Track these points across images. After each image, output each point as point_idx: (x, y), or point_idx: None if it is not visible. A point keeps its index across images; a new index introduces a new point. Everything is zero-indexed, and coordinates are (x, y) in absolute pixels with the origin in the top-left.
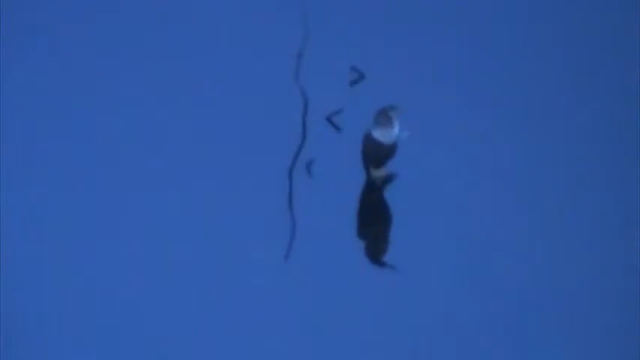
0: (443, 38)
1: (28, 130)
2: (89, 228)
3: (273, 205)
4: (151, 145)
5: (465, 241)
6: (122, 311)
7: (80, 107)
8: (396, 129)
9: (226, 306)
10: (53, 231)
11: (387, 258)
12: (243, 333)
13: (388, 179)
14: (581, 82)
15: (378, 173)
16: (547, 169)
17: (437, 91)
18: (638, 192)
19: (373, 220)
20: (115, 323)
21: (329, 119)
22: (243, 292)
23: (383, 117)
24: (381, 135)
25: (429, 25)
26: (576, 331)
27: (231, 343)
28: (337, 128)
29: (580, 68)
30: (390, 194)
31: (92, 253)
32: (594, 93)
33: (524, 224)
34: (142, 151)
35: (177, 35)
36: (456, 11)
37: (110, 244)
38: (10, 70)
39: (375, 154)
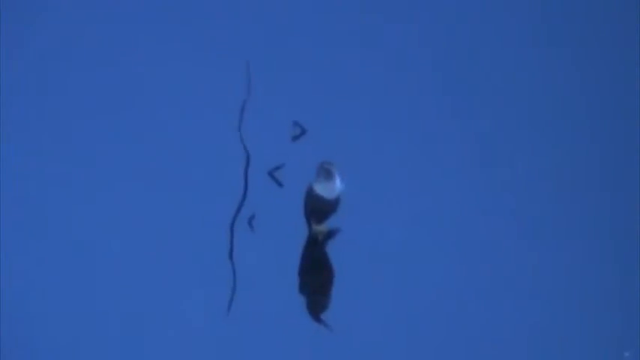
0: (385, 91)
1: (28, 129)
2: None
3: (214, 259)
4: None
5: (408, 297)
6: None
7: (80, 107)
8: (337, 183)
9: (167, 357)
10: (53, 231)
11: (328, 314)
12: None
13: (330, 234)
14: (581, 82)
15: (320, 228)
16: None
17: (380, 146)
18: (639, 192)
19: (314, 276)
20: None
21: (271, 174)
22: (185, 343)
23: (323, 172)
24: (322, 190)
25: (370, 80)
26: (575, 334)
27: None
28: (279, 183)
29: (580, 68)
30: (332, 250)
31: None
32: (594, 93)
33: (479, 274)
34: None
35: (124, 81)
36: (402, 61)
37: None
38: (10, 70)
39: (317, 209)
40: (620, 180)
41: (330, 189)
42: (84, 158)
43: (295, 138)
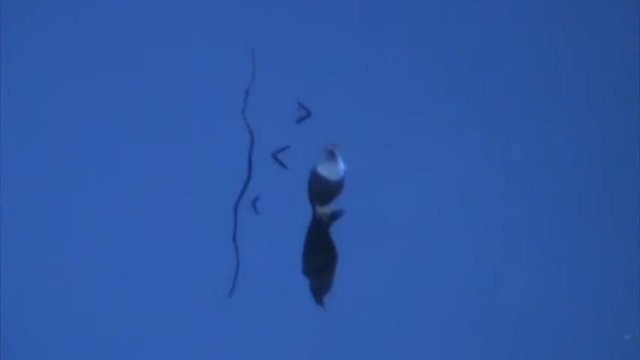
0: (391, 73)
1: (28, 127)
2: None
3: (218, 242)
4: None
5: (413, 280)
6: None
7: (80, 107)
8: (341, 165)
9: (170, 341)
10: (53, 231)
11: (332, 296)
12: None
13: (335, 216)
14: (580, 83)
15: (325, 210)
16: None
17: (385, 128)
18: (639, 192)
19: (318, 258)
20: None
21: (275, 156)
22: (188, 327)
23: (327, 154)
24: (326, 171)
25: (376, 62)
26: (574, 337)
27: None
28: (283, 165)
29: (579, 68)
30: (335, 231)
31: (80, 257)
32: (594, 93)
33: (485, 256)
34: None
35: (126, 67)
36: (407, 44)
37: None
38: (10, 70)
39: (322, 191)
40: (620, 180)
41: (334, 171)
42: (85, 146)
43: (300, 120)
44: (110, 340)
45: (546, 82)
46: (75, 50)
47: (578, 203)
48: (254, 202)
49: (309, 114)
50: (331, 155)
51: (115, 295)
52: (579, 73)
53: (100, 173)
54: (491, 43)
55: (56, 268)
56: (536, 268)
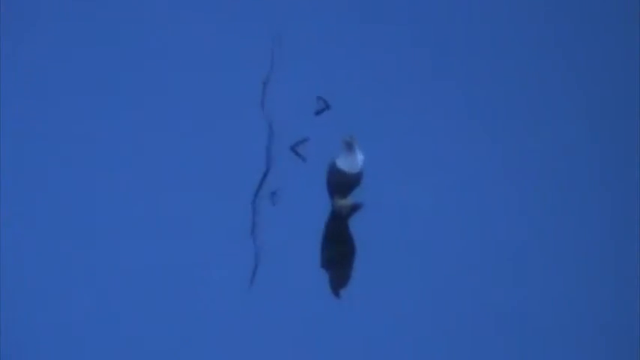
0: (408, 66)
1: (28, 129)
2: (81, 231)
3: (237, 234)
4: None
5: (430, 272)
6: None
7: (80, 107)
8: (359, 158)
9: (189, 333)
10: (53, 231)
11: (350, 289)
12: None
13: (353, 209)
14: (580, 83)
15: (343, 202)
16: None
17: (402, 120)
18: (638, 192)
19: (337, 250)
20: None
21: (293, 149)
22: (207, 319)
23: (345, 146)
24: (345, 164)
25: (394, 55)
26: (574, 336)
27: None
28: (302, 158)
29: (579, 68)
30: (354, 224)
31: (80, 260)
32: (594, 93)
33: (497, 256)
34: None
35: (146, 59)
36: (423, 38)
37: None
38: (10, 70)
39: (340, 184)
40: (619, 181)
41: (353, 164)
42: (106, 142)
43: (318, 113)
44: (133, 333)
45: (554, 83)
46: (93, 45)
47: (576, 211)
48: (272, 194)
49: (327, 107)
50: (349, 148)
51: (136, 288)
52: (584, 73)
53: (121, 167)
54: (505, 44)
55: (75, 264)
56: (552, 260)
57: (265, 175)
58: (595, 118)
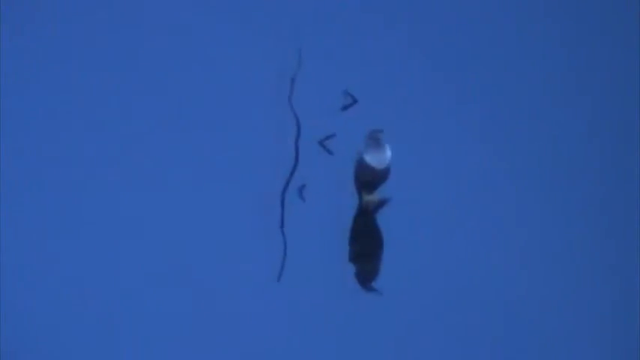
0: (435, 61)
1: (28, 129)
2: (86, 229)
3: (265, 229)
4: (144, 160)
5: (457, 266)
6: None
7: (80, 107)
8: (387, 153)
9: (217, 327)
10: (52, 231)
11: (377, 283)
12: (234, 354)
13: (381, 204)
14: (580, 83)
15: (371, 198)
16: (542, 189)
17: (430, 115)
18: (638, 192)
19: (365, 245)
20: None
21: (321, 143)
22: (235, 313)
23: (373, 141)
24: (372, 159)
25: (421, 49)
26: (574, 337)
27: None
28: (330, 152)
29: (579, 68)
30: (382, 219)
31: (88, 255)
32: (594, 93)
33: (520, 250)
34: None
35: (175, 54)
36: (449, 34)
37: (101, 251)
38: (10, 70)
39: (367, 179)
40: (619, 181)
41: (380, 159)
42: (136, 134)
43: (346, 107)
44: (159, 328)
45: (557, 83)
46: (121, 40)
47: (576, 211)
48: (301, 189)
49: (354, 101)
50: (377, 143)
51: (166, 280)
52: (586, 74)
53: (157, 159)
54: (514, 45)
55: (97, 260)
56: (559, 258)
57: (293, 169)
58: (593, 120)
